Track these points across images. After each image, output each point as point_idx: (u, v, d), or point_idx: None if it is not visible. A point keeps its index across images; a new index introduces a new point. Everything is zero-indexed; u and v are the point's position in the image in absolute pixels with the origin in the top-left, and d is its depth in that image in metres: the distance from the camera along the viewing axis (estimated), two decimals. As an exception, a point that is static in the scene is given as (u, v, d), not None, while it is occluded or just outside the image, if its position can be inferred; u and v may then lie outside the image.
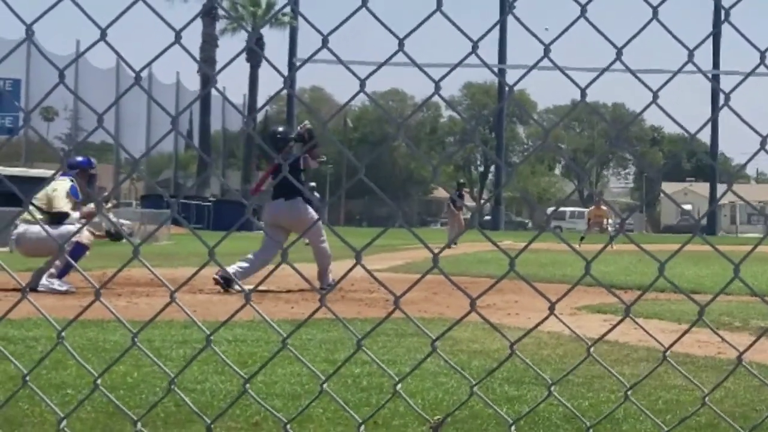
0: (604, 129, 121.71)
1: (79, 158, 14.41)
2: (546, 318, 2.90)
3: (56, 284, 12.67)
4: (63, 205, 13.25)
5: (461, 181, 37.45)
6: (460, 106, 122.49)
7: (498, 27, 3.04)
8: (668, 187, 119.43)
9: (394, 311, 2.80)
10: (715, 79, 62.83)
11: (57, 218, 13.24)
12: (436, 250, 2.80)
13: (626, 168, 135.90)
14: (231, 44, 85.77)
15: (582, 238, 38.98)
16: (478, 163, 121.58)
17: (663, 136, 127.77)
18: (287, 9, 69.85)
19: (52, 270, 12.89)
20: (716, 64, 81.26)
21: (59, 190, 13.25)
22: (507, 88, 2.97)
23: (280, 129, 15.27)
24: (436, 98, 2.78)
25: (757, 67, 2.95)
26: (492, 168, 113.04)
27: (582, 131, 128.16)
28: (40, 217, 12.91)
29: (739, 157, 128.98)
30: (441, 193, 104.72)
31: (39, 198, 13.26)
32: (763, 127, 3.06)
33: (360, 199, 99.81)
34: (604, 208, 43.46)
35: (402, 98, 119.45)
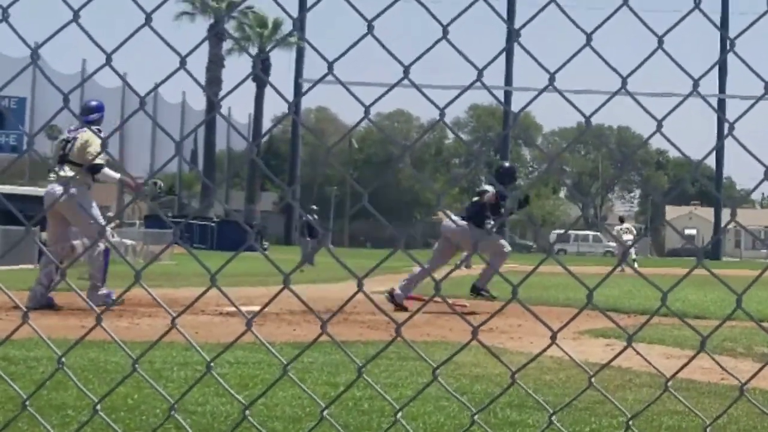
0: (609, 152, 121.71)
1: (94, 102, 14.16)
2: (548, 347, 2.90)
3: (103, 294, 12.96)
4: (95, 151, 13.14)
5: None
6: (465, 128, 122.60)
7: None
8: (673, 211, 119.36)
9: (395, 339, 2.80)
10: (721, 103, 62.84)
11: (93, 170, 13.21)
12: (438, 274, 2.81)
13: (631, 191, 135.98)
14: (237, 64, 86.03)
15: (634, 260, 39.03)
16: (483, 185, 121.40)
17: (668, 160, 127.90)
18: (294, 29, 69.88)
19: (93, 282, 13.13)
20: (722, 87, 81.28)
21: (92, 139, 13.13)
22: (511, 116, 2.98)
23: (507, 164, 17.20)
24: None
25: (762, 97, 2.96)
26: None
27: (587, 154, 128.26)
28: (72, 174, 12.92)
29: (745, 181, 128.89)
30: (442, 215, 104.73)
31: (72, 154, 13.19)
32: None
33: (364, 220, 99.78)
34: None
35: (407, 119, 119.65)
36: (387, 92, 2.73)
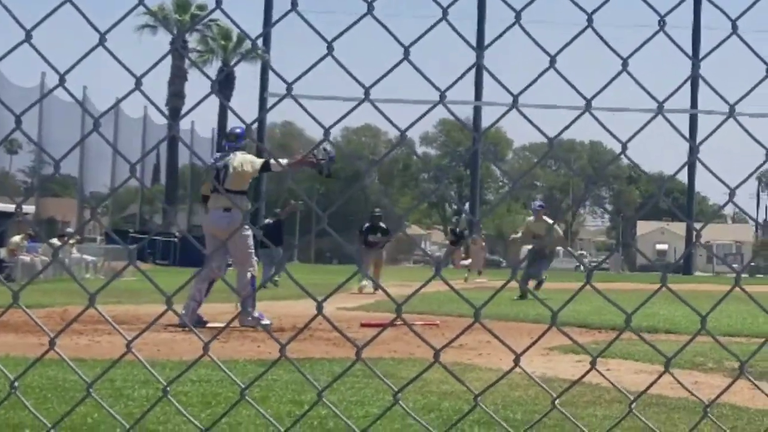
0: (580, 167, 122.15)
1: (238, 129, 14.62)
2: (510, 370, 2.93)
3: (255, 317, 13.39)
4: (257, 162, 13.95)
5: (376, 211, 31.78)
6: (434, 143, 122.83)
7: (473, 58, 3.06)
8: (644, 226, 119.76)
9: (355, 363, 2.82)
10: (693, 118, 63.20)
11: (264, 170, 14.08)
12: (407, 290, 2.84)
13: (602, 206, 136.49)
14: (201, 77, 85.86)
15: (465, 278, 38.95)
16: (453, 200, 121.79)
17: (640, 175, 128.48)
18: (258, 42, 69.51)
19: (245, 307, 13.59)
20: (694, 102, 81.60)
21: (245, 159, 13.93)
22: (478, 136, 3.00)
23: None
24: (410, 134, 2.80)
25: (725, 121, 3.00)
26: (466, 206, 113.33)
27: (558, 169, 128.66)
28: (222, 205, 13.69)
29: (717, 195, 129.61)
30: (413, 230, 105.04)
31: (228, 182, 13.84)
32: (741, 166, 3.12)
33: (330, 236, 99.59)
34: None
35: (375, 134, 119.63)
36: (347, 115, 2.75)
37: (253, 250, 14.20)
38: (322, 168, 13.72)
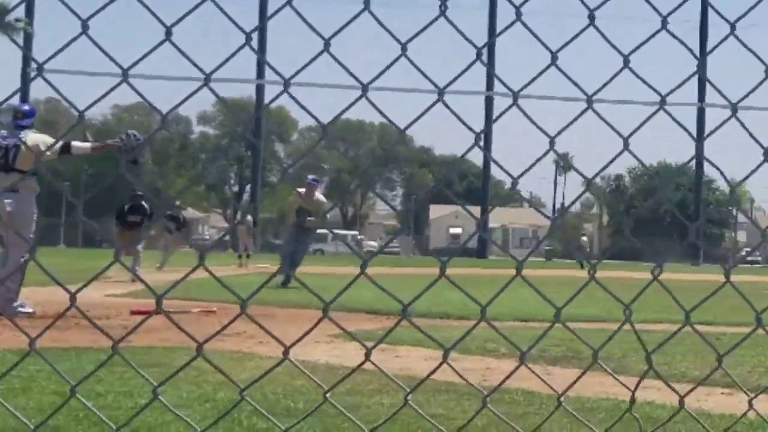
0: (370, 149, 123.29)
1: (26, 107, 14.20)
2: (280, 362, 2.94)
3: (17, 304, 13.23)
4: (51, 142, 13.82)
5: (137, 191, 30.21)
6: (213, 122, 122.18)
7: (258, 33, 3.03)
8: (438, 209, 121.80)
9: (112, 356, 2.78)
10: (488, 101, 64.51)
11: (65, 150, 13.44)
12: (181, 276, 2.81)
13: (393, 190, 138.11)
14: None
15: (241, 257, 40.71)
16: (232, 182, 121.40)
17: (433, 158, 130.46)
18: (21, 14, 67.77)
19: (9, 294, 13.35)
20: (490, 85, 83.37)
21: (38, 137, 13.64)
22: (262, 120, 2.97)
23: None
24: (186, 112, 2.75)
25: (510, 108, 3.04)
26: (247, 188, 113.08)
27: (346, 150, 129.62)
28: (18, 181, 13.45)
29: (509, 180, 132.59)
30: (190, 213, 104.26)
31: (18, 161, 13.45)
32: (534, 151, 3.17)
33: (98, 219, 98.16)
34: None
35: (149, 113, 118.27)
36: (104, 96, 2.68)
37: (33, 235, 13.97)
38: (127, 153, 13.58)
